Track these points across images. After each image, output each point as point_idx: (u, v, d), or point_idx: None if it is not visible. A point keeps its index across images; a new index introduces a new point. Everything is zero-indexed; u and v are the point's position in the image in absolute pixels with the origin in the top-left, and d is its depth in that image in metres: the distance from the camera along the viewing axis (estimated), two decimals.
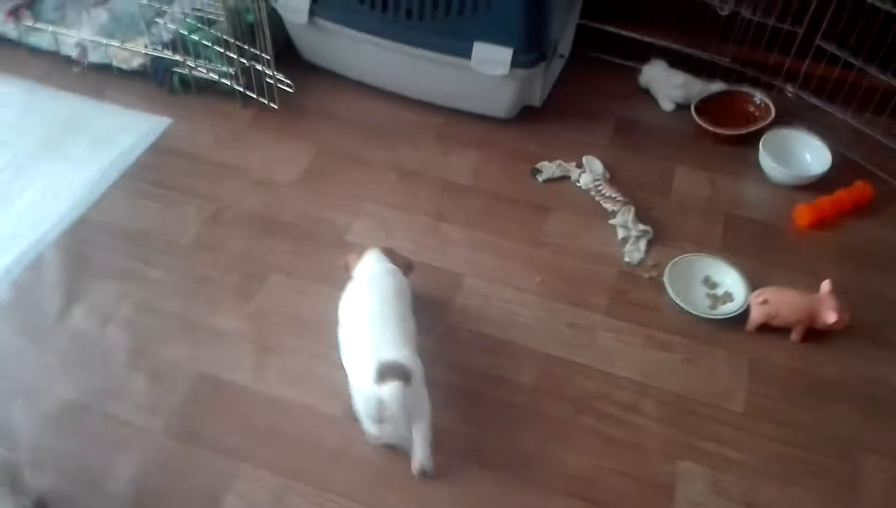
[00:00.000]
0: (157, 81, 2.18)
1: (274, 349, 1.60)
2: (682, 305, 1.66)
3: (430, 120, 2.14)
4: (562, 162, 1.99)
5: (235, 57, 2.04)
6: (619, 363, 1.59)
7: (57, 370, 1.57)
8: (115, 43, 2.17)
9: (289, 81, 2.05)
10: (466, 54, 1.92)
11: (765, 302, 1.61)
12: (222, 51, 2.06)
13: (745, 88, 2.15)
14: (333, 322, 1.47)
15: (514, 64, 1.90)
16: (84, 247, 1.79)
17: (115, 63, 2.20)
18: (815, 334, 1.63)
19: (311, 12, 2.03)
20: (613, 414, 1.51)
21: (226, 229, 1.84)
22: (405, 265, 1.56)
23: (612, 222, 1.85)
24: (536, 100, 2.10)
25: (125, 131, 2.07)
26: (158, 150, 2.03)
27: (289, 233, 1.84)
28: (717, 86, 2.15)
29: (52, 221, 1.84)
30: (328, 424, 1.48)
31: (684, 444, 1.47)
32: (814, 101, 2.09)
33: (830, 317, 1.57)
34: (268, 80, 2.05)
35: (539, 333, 1.64)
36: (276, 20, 2.09)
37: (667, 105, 2.18)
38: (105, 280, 1.72)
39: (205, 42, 2.06)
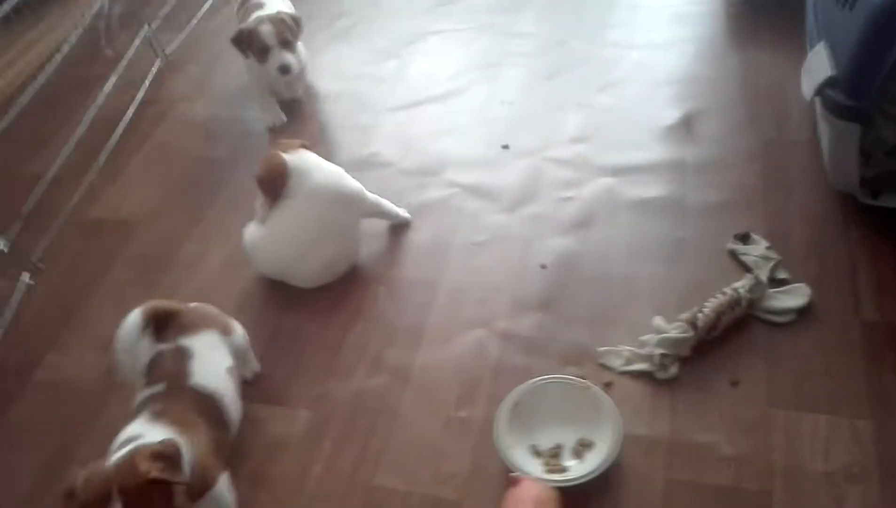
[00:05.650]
0: None
1: None
2: (498, 415, 1.16)
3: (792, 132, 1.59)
4: (771, 256, 1.32)
5: None
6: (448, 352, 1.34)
7: None
8: None
9: None
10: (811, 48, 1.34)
11: None
12: None
13: None
14: None
15: (820, 91, 1.24)
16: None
17: None
18: None
19: None
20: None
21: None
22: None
23: (655, 320, 1.27)
24: (855, 188, 1.31)
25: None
26: None
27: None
28: None
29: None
30: None
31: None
32: None
33: None
34: None
35: (459, 270, 1.47)
36: None
37: None
38: None
39: None
